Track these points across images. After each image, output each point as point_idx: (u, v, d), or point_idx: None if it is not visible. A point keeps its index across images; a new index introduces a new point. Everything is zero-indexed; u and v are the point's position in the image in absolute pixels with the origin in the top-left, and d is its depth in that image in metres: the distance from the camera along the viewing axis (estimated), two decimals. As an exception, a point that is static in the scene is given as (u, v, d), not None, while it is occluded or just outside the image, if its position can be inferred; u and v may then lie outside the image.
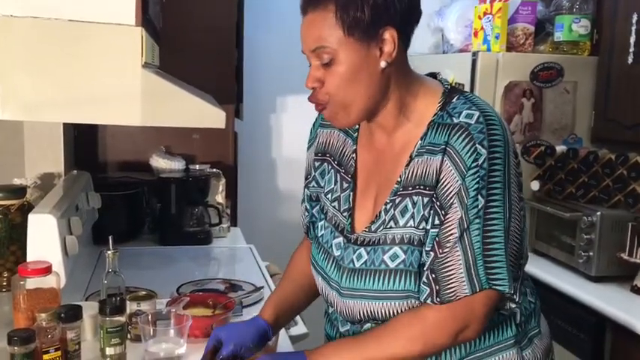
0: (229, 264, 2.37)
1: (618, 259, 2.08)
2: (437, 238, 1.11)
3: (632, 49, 2.29)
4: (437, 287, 1.10)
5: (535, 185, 2.44)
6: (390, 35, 1.11)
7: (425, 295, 1.12)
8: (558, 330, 2.06)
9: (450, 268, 1.09)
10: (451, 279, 1.09)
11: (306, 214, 1.39)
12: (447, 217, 1.10)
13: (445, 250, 1.10)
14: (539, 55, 2.59)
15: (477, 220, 1.08)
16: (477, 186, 1.07)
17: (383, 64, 1.12)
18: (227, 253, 2.43)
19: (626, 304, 1.98)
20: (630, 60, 2.30)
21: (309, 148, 1.39)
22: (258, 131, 3.18)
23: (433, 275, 1.11)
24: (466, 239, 1.08)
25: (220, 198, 2.53)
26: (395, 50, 1.12)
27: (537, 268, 2.30)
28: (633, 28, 2.27)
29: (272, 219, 3.19)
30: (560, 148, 2.45)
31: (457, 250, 1.09)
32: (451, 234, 1.09)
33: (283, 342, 1.47)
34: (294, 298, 1.40)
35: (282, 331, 1.50)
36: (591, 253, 2.16)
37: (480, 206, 1.07)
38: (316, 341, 1.35)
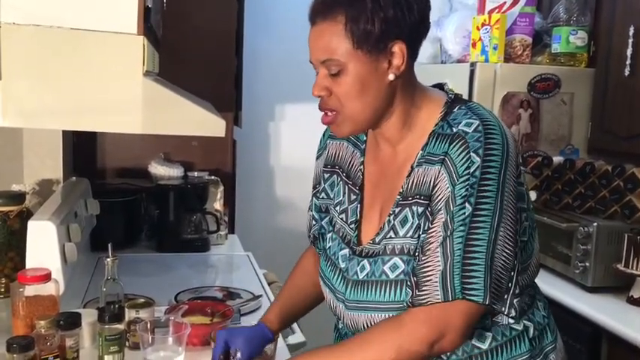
0: (227, 272, 2.37)
1: (614, 269, 2.09)
2: (421, 242, 1.11)
3: (628, 61, 2.31)
4: (416, 290, 1.10)
5: (532, 195, 2.45)
6: (399, 49, 1.11)
7: (408, 298, 1.11)
8: (554, 340, 2.06)
9: (428, 271, 1.08)
10: (427, 283, 1.08)
11: (314, 223, 1.39)
12: (434, 222, 1.09)
13: (426, 254, 1.09)
14: (537, 67, 2.61)
15: (462, 228, 1.06)
16: (465, 193, 1.06)
17: (391, 76, 1.12)
18: (225, 260, 2.43)
19: (622, 314, 1.99)
20: (627, 72, 2.32)
21: (317, 157, 1.39)
22: (256, 139, 3.19)
23: (415, 278, 1.10)
24: (448, 245, 1.07)
25: (218, 205, 2.53)
26: (404, 64, 1.12)
27: (534, 278, 2.30)
28: (630, 41, 2.29)
29: (270, 227, 3.20)
30: (557, 159, 2.46)
31: (437, 255, 1.07)
32: (434, 238, 1.08)
33: (281, 351, 1.47)
34: (298, 308, 1.41)
35: (280, 340, 1.51)
36: (587, 264, 2.17)
37: (466, 214, 1.06)
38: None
